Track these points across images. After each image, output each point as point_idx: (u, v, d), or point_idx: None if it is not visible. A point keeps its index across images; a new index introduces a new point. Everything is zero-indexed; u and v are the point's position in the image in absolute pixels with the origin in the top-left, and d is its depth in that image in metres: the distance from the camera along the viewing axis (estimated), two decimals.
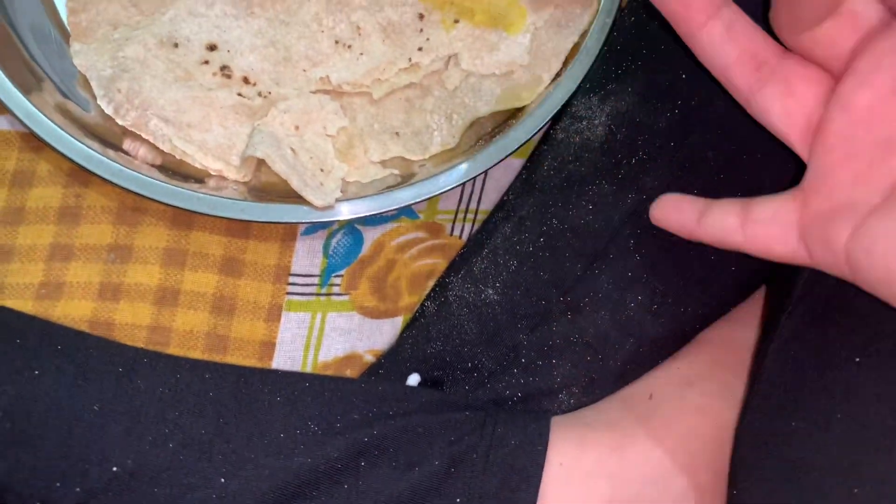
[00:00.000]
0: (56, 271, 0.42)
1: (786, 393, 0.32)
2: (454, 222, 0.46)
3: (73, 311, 0.41)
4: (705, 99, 0.38)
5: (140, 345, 0.42)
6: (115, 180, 0.40)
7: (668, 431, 0.37)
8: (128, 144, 0.42)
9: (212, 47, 0.44)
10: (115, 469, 0.32)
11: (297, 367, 0.43)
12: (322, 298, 0.44)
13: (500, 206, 0.42)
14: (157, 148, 0.42)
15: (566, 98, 0.43)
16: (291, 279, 0.44)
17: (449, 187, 0.42)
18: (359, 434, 0.34)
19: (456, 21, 0.45)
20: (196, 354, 0.42)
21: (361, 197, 0.42)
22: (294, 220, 0.42)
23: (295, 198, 0.41)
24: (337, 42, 0.44)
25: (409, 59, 0.44)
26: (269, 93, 0.44)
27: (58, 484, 0.31)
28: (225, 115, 0.43)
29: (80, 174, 0.43)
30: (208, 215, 0.41)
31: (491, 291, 0.39)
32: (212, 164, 0.42)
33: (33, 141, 0.43)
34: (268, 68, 0.44)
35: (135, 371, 0.33)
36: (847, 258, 0.29)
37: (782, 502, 0.30)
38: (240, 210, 0.41)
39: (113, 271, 0.42)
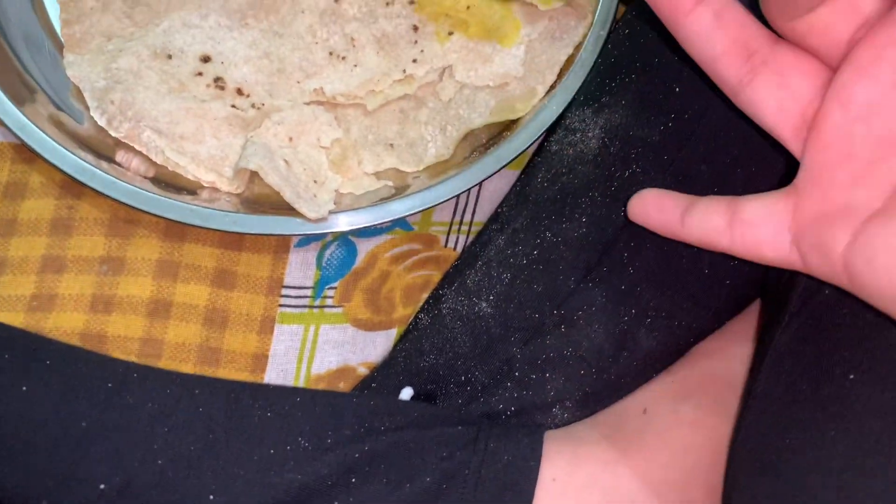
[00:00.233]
0: (48, 283, 0.42)
1: (780, 408, 0.32)
2: (448, 234, 0.46)
3: (65, 324, 0.41)
4: (699, 112, 0.38)
5: (132, 357, 0.41)
6: (107, 192, 0.40)
7: (662, 446, 0.37)
8: (121, 156, 0.42)
9: (205, 59, 0.44)
10: (102, 486, 0.31)
11: (289, 380, 0.43)
12: (315, 311, 0.44)
13: (494, 218, 0.42)
14: (150, 160, 0.42)
15: (560, 110, 0.43)
16: (284, 291, 0.44)
17: (443, 199, 0.42)
18: (350, 450, 0.34)
19: (450, 33, 0.45)
20: (188, 367, 0.42)
21: (355, 209, 0.42)
22: (287, 233, 0.42)
23: (288, 209, 0.41)
24: (331, 53, 0.44)
25: (404, 71, 0.44)
26: (263, 104, 0.43)
27: (44, 502, 0.31)
28: (218, 127, 0.43)
29: (73, 186, 0.43)
30: (201, 227, 0.41)
31: (484, 304, 0.39)
32: (205, 176, 0.42)
33: (26, 152, 0.43)
34: (262, 80, 0.44)
35: (124, 386, 0.33)
36: (845, 267, 0.27)
37: None
38: (232, 222, 0.41)
39: (105, 283, 0.42)
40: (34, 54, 0.43)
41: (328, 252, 0.45)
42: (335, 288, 0.45)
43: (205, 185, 0.42)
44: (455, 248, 0.46)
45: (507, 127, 0.45)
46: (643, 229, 0.38)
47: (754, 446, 0.33)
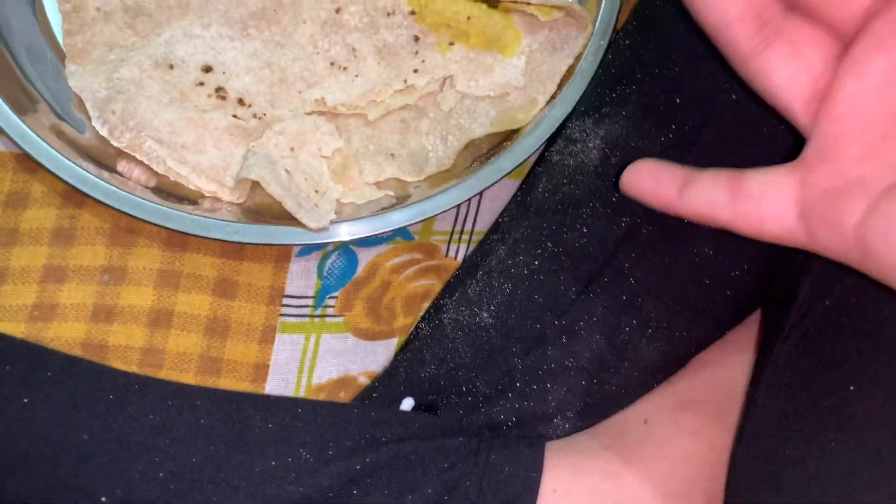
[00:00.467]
0: (49, 293, 0.42)
1: (780, 420, 0.32)
2: (449, 243, 0.46)
3: (66, 333, 0.41)
4: (700, 124, 0.38)
5: (133, 367, 0.41)
6: (109, 202, 0.40)
7: (663, 456, 0.37)
8: (122, 166, 0.42)
9: (207, 69, 0.44)
10: (103, 500, 0.31)
11: (290, 390, 0.43)
12: (316, 320, 0.44)
13: (495, 227, 0.42)
14: (152, 169, 0.42)
15: (561, 120, 0.43)
16: (285, 301, 0.44)
17: (444, 209, 0.42)
18: (351, 462, 0.34)
19: (451, 43, 0.45)
20: (189, 376, 0.42)
21: (356, 218, 0.42)
22: (288, 242, 0.42)
23: (289, 219, 0.41)
24: (332, 64, 0.45)
25: (405, 81, 0.44)
26: (264, 114, 0.44)
27: None
28: (220, 137, 0.43)
29: (75, 196, 0.43)
30: (202, 237, 0.41)
31: (485, 314, 0.39)
32: (206, 186, 0.42)
33: (28, 162, 0.43)
34: (263, 90, 0.44)
35: (125, 398, 0.33)
36: (858, 241, 0.27)
37: None
38: (234, 232, 0.41)
39: (106, 293, 0.42)
40: (36, 64, 0.44)
41: (329, 261, 0.45)
42: (336, 297, 0.45)
43: (206, 194, 0.43)
44: (456, 258, 0.46)
45: (508, 137, 0.45)
46: (644, 240, 0.38)
47: (755, 457, 0.33)
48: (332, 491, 0.33)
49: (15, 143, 0.41)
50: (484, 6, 0.45)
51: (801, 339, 0.33)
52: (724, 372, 0.39)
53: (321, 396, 0.43)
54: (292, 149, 0.43)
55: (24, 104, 0.42)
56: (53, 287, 0.42)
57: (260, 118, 0.43)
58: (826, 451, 0.30)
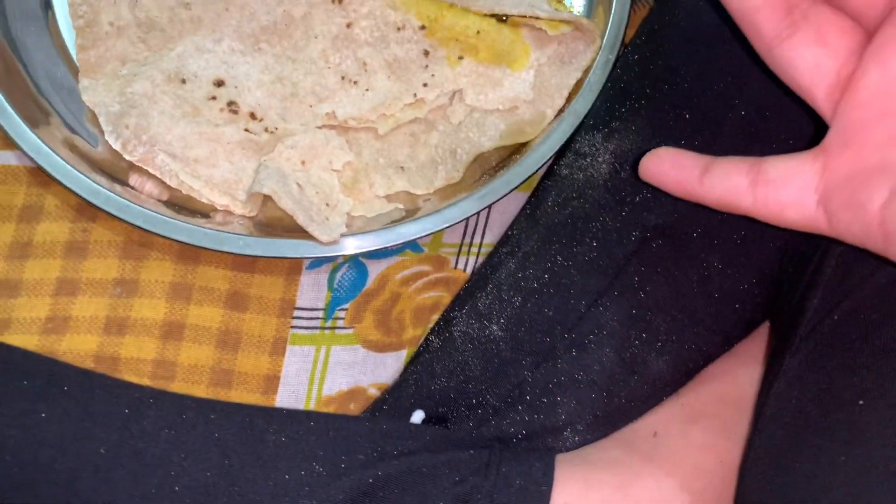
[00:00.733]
0: (62, 306, 0.42)
1: (789, 433, 0.32)
2: (458, 255, 0.46)
3: (79, 346, 0.42)
4: (708, 139, 0.38)
5: (145, 379, 0.42)
6: (121, 216, 0.41)
7: (672, 469, 0.37)
8: (134, 179, 0.43)
9: (219, 83, 0.44)
10: None
11: (301, 401, 0.43)
12: (326, 332, 0.45)
13: (505, 240, 0.43)
14: (164, 183, 0.43)
15: (570, 133, 0.43)
16: (296, 313, 0.44)
17: (453, 222, 0.43)
18: (363, 475, 0.34)
19: (460, 57, 0.45)
20: (201, 388, 0.42)
21: (366, 231, 0.42)
22: (299, 255, 0.42)
23: (300, 232, 0.41)
24: (343, 78, 0.45)
25: (415, 95, 0.45)
26: (276, 128, 0.44)
27: None
28: (231, 151, 0.43)
29: (88, 209, 0.43)
30: (214, 250, 0.41)
31: (495, 327, 0.39)
32: (218, 200, 0.43)
33: (41, 176, 0.43)
34: (275, 104, 0.44)
35: (140, 412, 0.34)
36: (882, 224, 0.27)
37: None
38: (245, 245, 0.41)
39: (119, 305, 0.43)
40: (50, 78, 0.44)
41: (339, 274, 0.45)
42: (346, 309, 0.45)
43: (218, 208, 0.43)
44: (465, 270, 0.46)
45: (517, 150, 0.45)
46: (654, 254, 0.38)
47: (764, 470, 0.33)
48: None
49: (29, 157, 0.41)
50: (493, 21, 0.45)
51: (811, 353, 0.33)
52: (733, 384, 0.39)
53: (331, 408, 0.43)
54: (303, 162, 0.43)
55: (37, 118, 0.42)
56: (66, 300, 0.42)
57: (272, 132, 0.44)
58: (835, 466, 0.30)
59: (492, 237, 0.46)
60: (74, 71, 0.44)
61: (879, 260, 0.29)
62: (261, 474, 0.33)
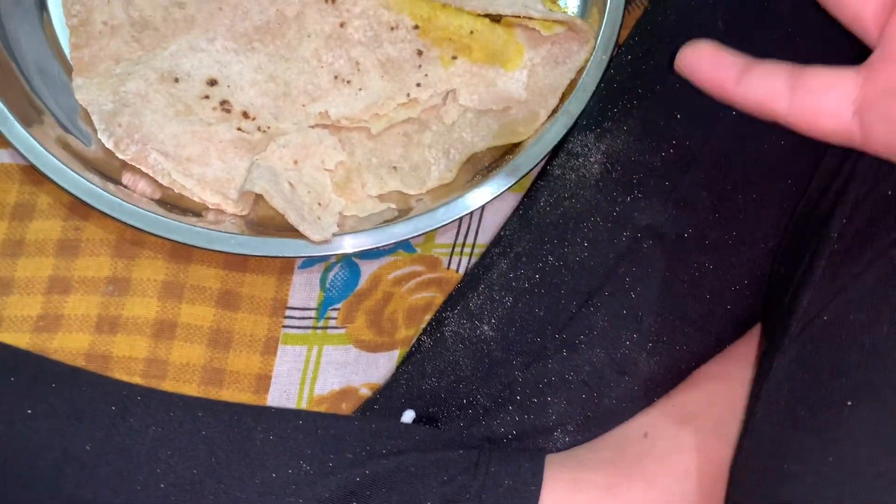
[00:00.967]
0: (54, 304, 0.42)
1: (779, 434, 0.32)
2: (451, 256, 0.46)
3: (70, 344, 0.42)
4: (700, 140, 0.38)
5: (136, 378, 0.42)
6: (114, 214, 0.41)
7: (663, 470, 0.37)
8: (127, 178, 0.43)
9: (212, 82, 0.44)
10: None
11: (292, 401, 0.43)
12: (318, 332, 0.45)
13: (497, 241, 0.43)
14: (157, 182, 0.43)
15: (563, 134, 0.43)
16: (288, 312, 0.44)
17: (446, 222, 0.43)
18: (351, 474, 0.34)
19: (454, 57, 0.45)
20: (192, 387, 0.42)
21: (359, 231, 0.42)
22: (291, 255, 0.42)
23: (292, 231, 0.41)
24: (336, 77, 0.45)
25: (408, 95, 0.45)
26: (269, 127, 0.44)
27: None
28: (224, 150, 0.43)
29: (80, 207, 0.43)
30: (206, 249, 0.41)
31: (486, 327, 0.39)
32: (210, 198, 0.43)
33: (34, 174, 0.43)
34: (267, 103, 0.44)
35: (128, 410, 0.34)
36: None
37: None
38: (237, 244, 0.41)
39: (111, 304, 0.43)
40: (44, 77, 0.44)
41: (332, 273, 0.45)
42: (338, 309, 0.45)
43: (210, 206, 0.43)
44: (457, 271, 0.46)
45: (510, 150, 0.45)
46: (645, 255, 0.38)
47: (754, 472, 0.33)
48: (332, 503, 0.33)
49: (22, 156, 0.41)
50: (487, 21, 0.45)
51: (799, 353, 0.33)
52: (725, 385, 0.39)
53: (323, 408, 0.43)
54: (296, 162, 0.43)
55: (30, 116, 0.42)
56: (58, 298, 0.42)
57: (264, 131, 0.44)
58: (825, 466, 0.30)
59: (484, 238, 0.46)
60: (68, 69, 0.44)
61: (866, 261, 0.29)
62: (247, 472, 0.33)
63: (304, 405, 0.43)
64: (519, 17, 0.45)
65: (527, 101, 0.45)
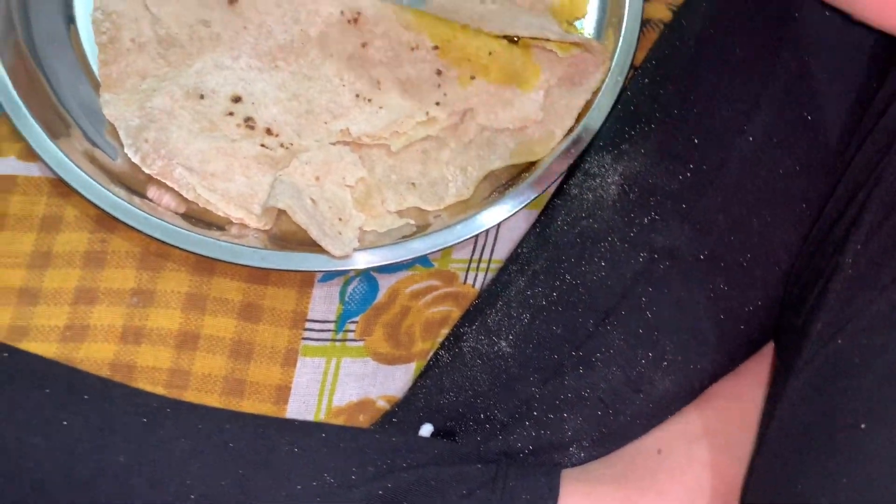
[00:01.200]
0: (80, 314, 0.43)
1: (792, 455, 0.33)
2: (467, 271, 0.47)
3: (96, 354, 0.42)
4: (717, 164, 0.39)
5: (159, 388, 0.43)
6: (140, 227, 0.42)
7: (676, 487, 0.37)
8: (152, 192, 0.44)
9: (236, 99, 0.45)
10: None
11: (311, 412, 0.44)
12: (337, 344, 0.45)
13: (514, 258, 0.43)
14: (182, 196, 0.44)
15: (578, 154, 0.44)
16: (308, 325, 0.45)
17: (463, 238, 0.43)
18: (374, 487, 0.34)
19: (472, 77, 0.46)
20: (214, 397, 0.43)
21: (378, 246, 0.43)
22: (312, 269, 0.43)
23: (313, 246, 0.42)
24: (357, 96, 0.46)
25: (427, 113, 0.46)
26: (291, 144, 0.45)
27: None
28: (248, 166, 0.44)
29: (107, 220, 0.44)
30: (229, 262, 0.42)
31: (504, 344, 0.40)
32: (234, 213, 0.44)
33: (62, 187, 0.44)
34: (290, 120, 0.45)
35: (158, 422, 0.34)
36: None
37: None
38: (260, 258, 0.42)
39: (135, 315, 0.43)
40: (72, 92, 0.45)
41: (351, 287, 0.46)
42: (357, 322, 0.46)
43: (234, 221, 0.44)
44: (474, 286, 0.47)
45: (527, 168, 0.46)
46: (661, 275, 0.39)
47: (766, 491, 0.33)
48: None
49: (50, 169, 0.42)
50: (505, 42, 0.46)
51: (814, 375, 0.33)
52: (737, 404, 0.40)
53: (341, 419, 0.44)
54: (318, 178, 0.44)
55: (59, 130, 0.43)
56: (84, 309, 0.43)
57: (287, 147, 0.45)
58: (837, 487, 0.31)
59: (500, 253, 0.47)
60: (96, 85, 0.45)
61: (880, 287, 0.29)
62: (274, 484, 0.34)
63: (322, 416, 0.44)
64: (536, 38, 0.46)
65: (543, 121, 0.46)
